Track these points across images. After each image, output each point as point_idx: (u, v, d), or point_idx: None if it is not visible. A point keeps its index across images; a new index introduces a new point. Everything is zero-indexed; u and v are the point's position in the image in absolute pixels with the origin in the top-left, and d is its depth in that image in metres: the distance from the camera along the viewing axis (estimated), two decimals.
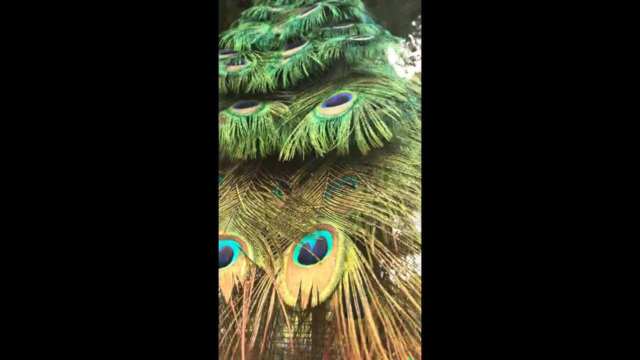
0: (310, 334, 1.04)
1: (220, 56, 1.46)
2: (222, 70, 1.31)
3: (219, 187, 1.21)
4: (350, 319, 0.74)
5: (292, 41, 1.45)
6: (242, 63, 1.35)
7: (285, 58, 1.34)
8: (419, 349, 0.70)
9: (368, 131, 0.98)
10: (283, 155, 1.05)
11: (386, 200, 0.89)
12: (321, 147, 0.99)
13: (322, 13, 1.45)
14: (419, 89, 1.28)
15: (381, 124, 0.98)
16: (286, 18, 1.60)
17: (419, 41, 5.38)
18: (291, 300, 0.79)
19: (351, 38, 1.31)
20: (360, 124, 0.98)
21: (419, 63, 5.58)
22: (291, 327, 0.88)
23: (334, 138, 0.99)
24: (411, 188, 0.95)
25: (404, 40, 5.40)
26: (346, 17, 1.52)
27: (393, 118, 1.02)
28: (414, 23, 4.98)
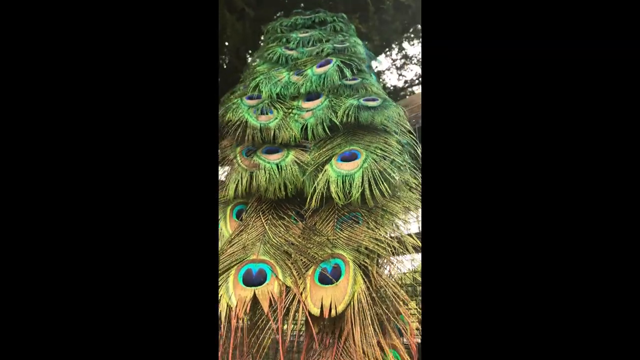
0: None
1: (247, 101, 1.74)
2: (255, 121, 1.60)
3: (246, 215, 1.50)
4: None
5: (310, 93, 1.75)
6: (270, 112, 1.64)
7: (307, 111, 1.64)
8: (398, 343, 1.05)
9: (374, 189, 1.29)
10: (310, 202, 1.35)
11: (385, 238, 1.21)
12: (339, 199, 1.30)
13: (338, 74, 1.76)
14: (408, 132, 1.59)
15: (383, 183, 1.29)
16: (303, 66, 1.88)
17: (411, 50, 5.71)
18: (315, 311, 1.10)
19: (362, 101, 1.61)
20: (369, 182, 1.30)
21: (410, 70, 5.90)
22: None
23: (349, 192, 1.30)
24: (403, 225, 1.28)
25: (397, 51, 5.72)
26: (355, 72, 1.83)
27: (390, 174, 1.33)
28: (412, 34, 5.26)
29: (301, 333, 1.24)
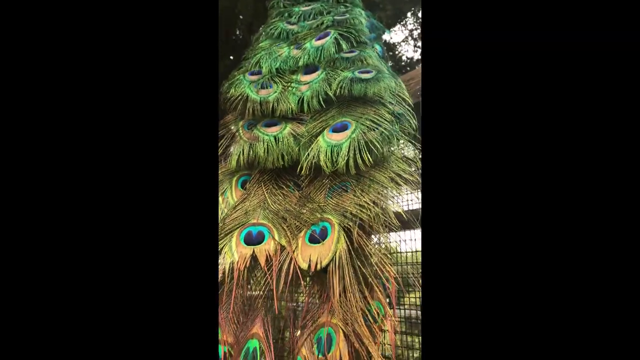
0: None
1: (249, 77, 1.85)
2: (255, 95, 1.71)
3: (250, 185, 1.65)
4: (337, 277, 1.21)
5: (309, 66, 1.83)
6: (270, 87, 1.74)
7: (305, 84, 1.74)
8: (379, 295, 1.19)
9: (358, 158, 1.41)
10: (301, 169, 1.49)
11: (367, 204, 1.33)
12: (327, 167, 1.43)
13: (335, 46, 1.82)
14: (405, 103, 1.66)
15: (367, 154, 1.40)
16: (303, 40, 1.94)
17: None
18: (304, 266, 1.26)
19: (357, 73, 1.68)
20: (354, 152, 1.41)
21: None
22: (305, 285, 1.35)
23: (336, 161, 1.42)
24: (386, 194, 1.39)
25: (412, 20, 5.53)
26: (354, 44, 1.87)
27: (375, 145, 1.43)
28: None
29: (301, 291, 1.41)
